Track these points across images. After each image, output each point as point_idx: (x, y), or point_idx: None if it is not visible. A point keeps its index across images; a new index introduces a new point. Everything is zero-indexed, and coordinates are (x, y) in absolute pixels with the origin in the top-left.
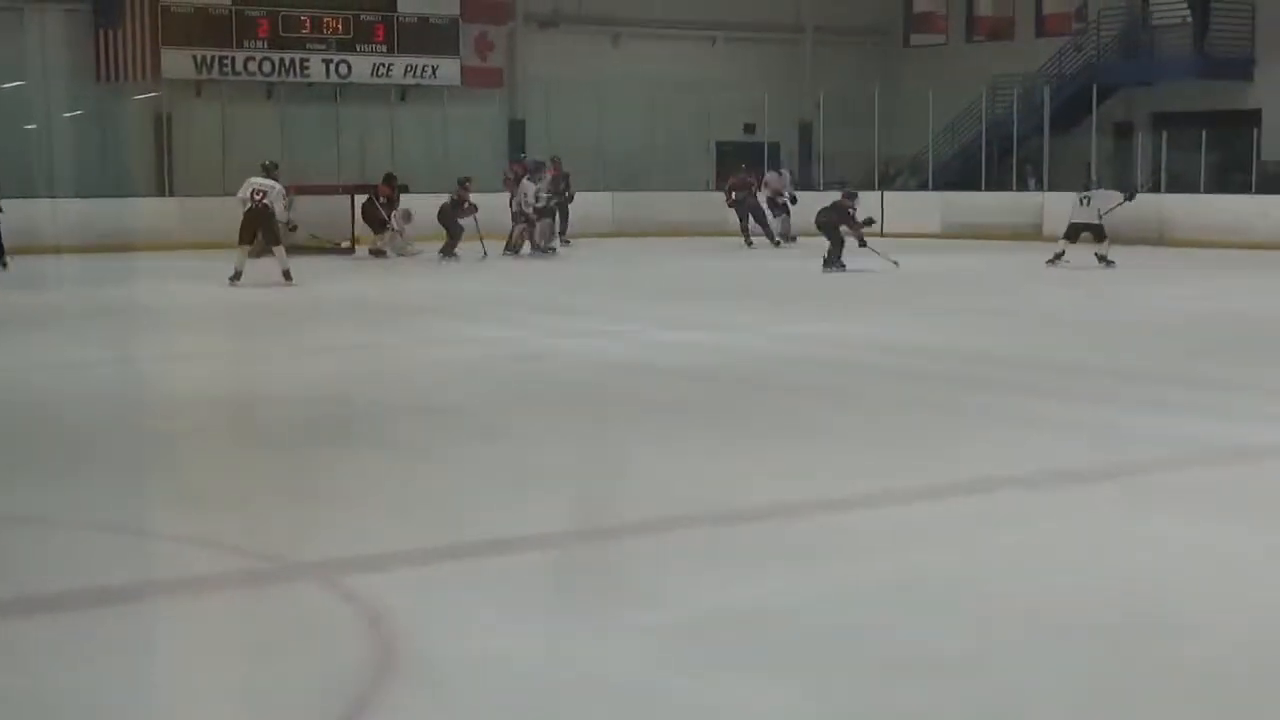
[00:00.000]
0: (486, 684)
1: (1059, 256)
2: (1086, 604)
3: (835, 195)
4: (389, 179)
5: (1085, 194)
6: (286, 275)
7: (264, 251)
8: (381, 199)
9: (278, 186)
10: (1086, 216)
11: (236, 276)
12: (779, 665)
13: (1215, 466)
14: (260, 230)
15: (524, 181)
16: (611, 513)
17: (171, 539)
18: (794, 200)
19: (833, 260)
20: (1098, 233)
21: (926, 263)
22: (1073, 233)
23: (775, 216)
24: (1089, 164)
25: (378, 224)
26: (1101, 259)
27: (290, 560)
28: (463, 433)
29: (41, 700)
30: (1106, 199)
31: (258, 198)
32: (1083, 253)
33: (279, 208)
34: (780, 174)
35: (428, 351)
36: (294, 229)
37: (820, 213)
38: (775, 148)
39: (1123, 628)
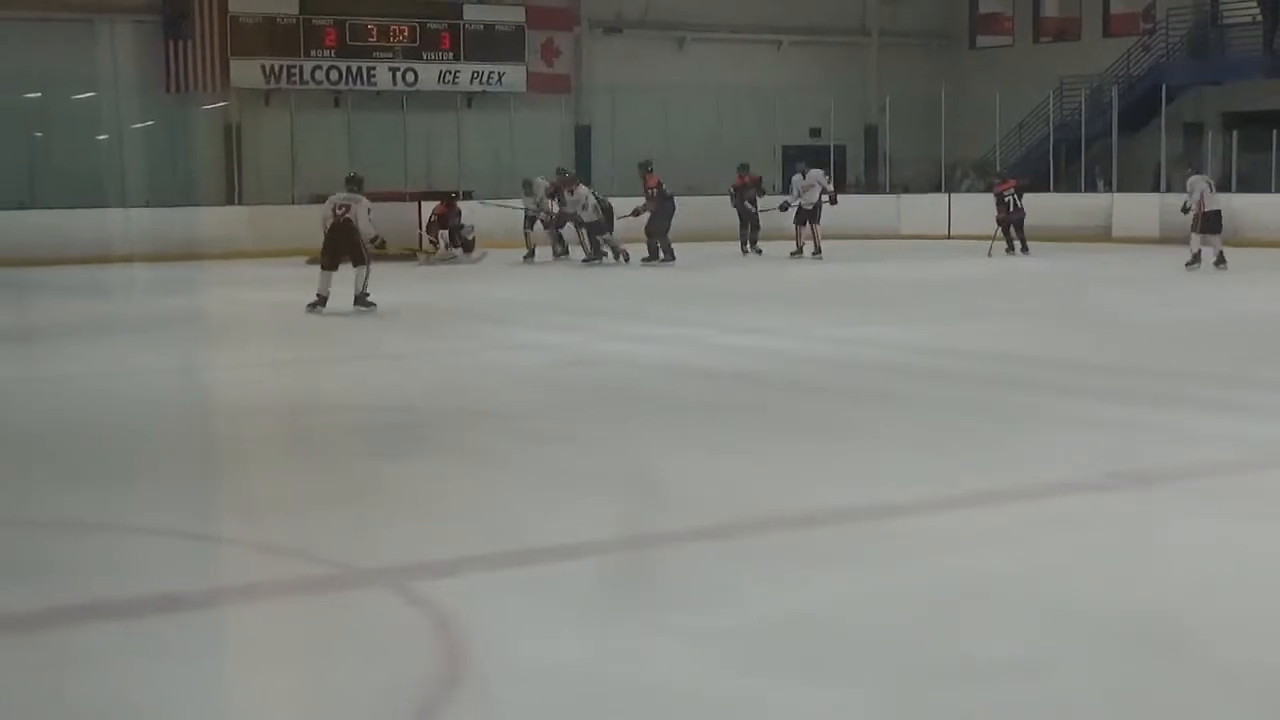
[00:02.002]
0: (548, 689)
1: (1221, 258)
2: (1144, 608)
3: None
4: (445, 197)
5: (1209, 178)
6: (361, 299)
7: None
8: (434, 217)
9: (363, 200)
10: (1219, 204)
11: (320, 303)
12: (833, 669)
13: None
14: (345, 249)
15: (581, 188)
16: (669, 517)
17: (238, 544)
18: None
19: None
20: (1216, 224)
21: (991, 265)
22: (1216, 222)
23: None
24: (1159, 163)
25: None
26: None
27: (356, 566)
28: (523, 438)
29: (109, 706)
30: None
31: (340, 212)
32: (1146, 255)
33: (364, 224)
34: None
35: (486, 357)
36: (382, 245)
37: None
38: (841, 150)
39: (1180, 632)
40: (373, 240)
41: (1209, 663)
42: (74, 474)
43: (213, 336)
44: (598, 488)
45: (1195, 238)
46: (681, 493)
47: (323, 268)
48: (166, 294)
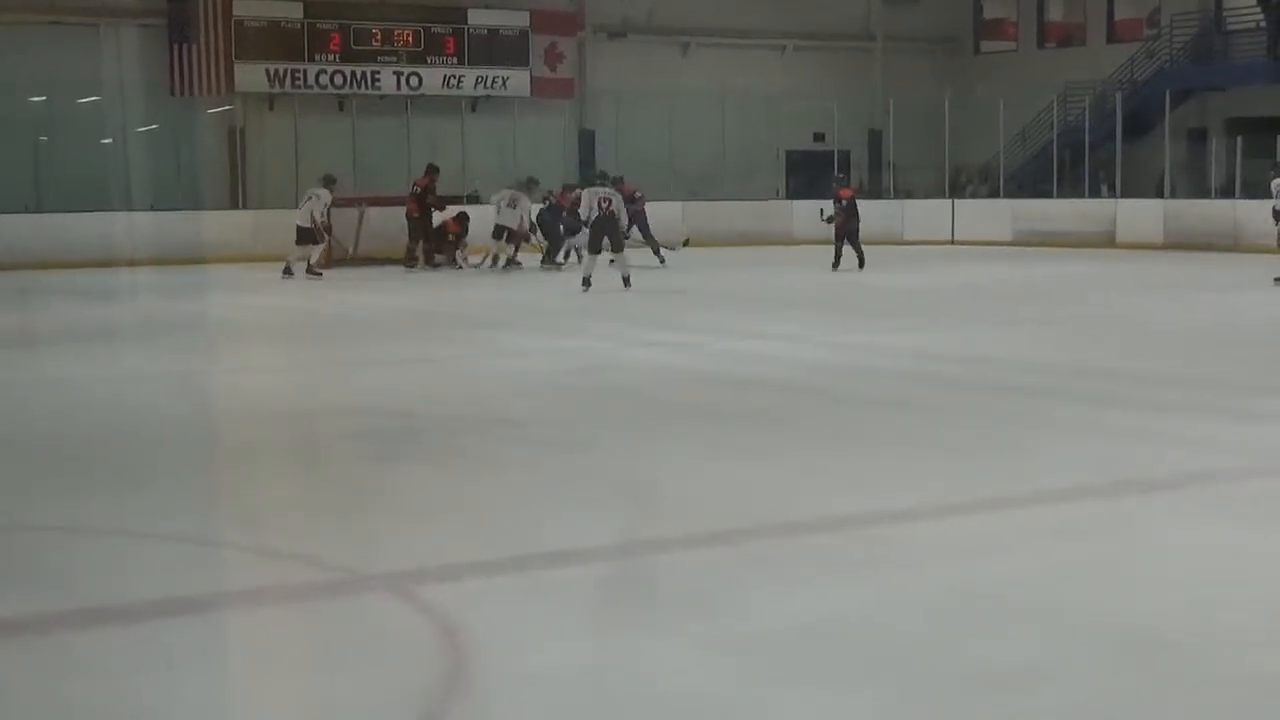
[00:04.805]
0: (555, 697)
1: None
2: (1161, 615)
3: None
4: (430, 170)
5: None
6: (626, 280)
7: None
8: (418, 189)
9: (619, 194)
10: None
11: (586, 283)
12: (844, 676)
13: None
14: (608, 237)
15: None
16: (678, 523)
17: (243, 550)
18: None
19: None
20: None
21: (997, 271)
22: None
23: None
24: (1163, 169)
25: (429, 236)
26: None
27: (361, 571)
28: (530, 444)
29: (113, 710)
30: None
31: (604, 205)
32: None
33: (623, 217)
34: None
35: (492, 363)
36: (626, 236)
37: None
38: (845, 155)
39: (1197, 640)
40: (624, 232)
41: (1222, 672)
42: (77, 479)
43: (216, 341)
44: (605, 493)
45: None
46: (691, 498)
47: (590, 251)
48: (170, 298)
